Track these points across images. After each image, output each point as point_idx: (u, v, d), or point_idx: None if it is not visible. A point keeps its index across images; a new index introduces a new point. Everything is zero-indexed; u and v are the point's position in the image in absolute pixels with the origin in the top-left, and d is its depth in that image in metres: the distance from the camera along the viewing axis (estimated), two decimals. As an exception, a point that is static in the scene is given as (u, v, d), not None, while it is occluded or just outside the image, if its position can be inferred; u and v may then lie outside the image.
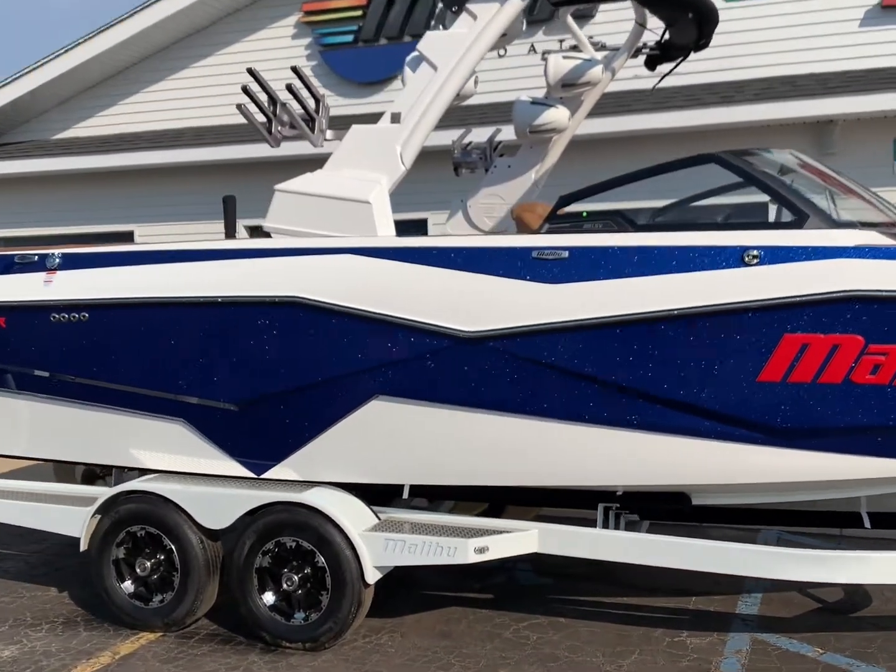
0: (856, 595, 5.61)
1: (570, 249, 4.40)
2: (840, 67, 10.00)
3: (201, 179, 11.51)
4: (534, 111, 6.60)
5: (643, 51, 6.50)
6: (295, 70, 5.29)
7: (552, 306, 4.39)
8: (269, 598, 5.09)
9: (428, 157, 6.71)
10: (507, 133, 7.43)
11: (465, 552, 4.75)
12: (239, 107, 5.38)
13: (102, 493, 5.47)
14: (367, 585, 4.89)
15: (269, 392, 5.00)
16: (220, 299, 5.02)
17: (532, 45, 10.70)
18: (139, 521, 5.32)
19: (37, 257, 5.58)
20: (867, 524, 4.97)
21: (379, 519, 5.08)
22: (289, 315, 4.88)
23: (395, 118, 4.90)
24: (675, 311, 4.21)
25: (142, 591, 5.37)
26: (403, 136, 4.91)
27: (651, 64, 6.58)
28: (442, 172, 8.46)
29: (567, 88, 6.52)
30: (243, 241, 5.27)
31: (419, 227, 10.88)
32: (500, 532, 4.85)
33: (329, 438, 4.96)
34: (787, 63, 10.14)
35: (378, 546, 4.87)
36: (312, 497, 4.99)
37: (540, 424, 4.53)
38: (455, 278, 4.57)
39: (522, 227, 5.26)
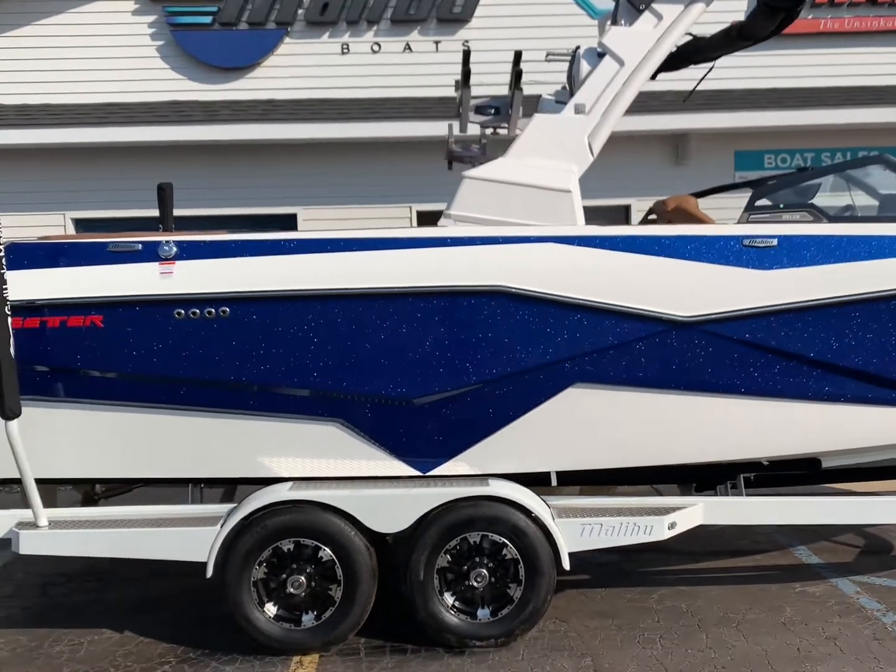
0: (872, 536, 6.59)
1: (780, 238, 4.79)
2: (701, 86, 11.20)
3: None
4: (557, 110, 6.82)
5: None
6: (466, 53, 5.11)
7: (764, 291, 4.75)
8: (449, 598, 4.92)
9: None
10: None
11: (661, 529, 4.95)
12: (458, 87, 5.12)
13: (236, 509, 4.90)
14: (560, 573, 4.91)
15: (460, 384, 4.81)
16: (407, 289, 4.74)
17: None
18: (293, 534, 4.84)
19: (140, 245, 4.84)
20: None
21: (549, 507, 5.10)
22: (492, 304, 4.74)
23: (580, 109, 4.95)
24: (873, 294, 4.77)
25: (287, 611, 4.91)
26: (591, 127, 4.97)
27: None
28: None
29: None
30: (432, 230, 4.96)
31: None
32: (676, 508, 5.10)
33: (516, 429, 4.88)
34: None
35: (574, 532, 4.90)
36: (504, 489, 4.89)
37: (746, 402, 4.86)
38: (667, 265, 4.76)
39: (684, 218, 5.50)
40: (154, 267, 4.80)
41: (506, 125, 5.28)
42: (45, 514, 4.88)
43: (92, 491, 5.82)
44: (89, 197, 10.28)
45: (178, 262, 4.80)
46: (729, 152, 10.81)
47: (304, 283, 4.77)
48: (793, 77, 10.80)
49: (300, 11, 10.46)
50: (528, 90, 10.65)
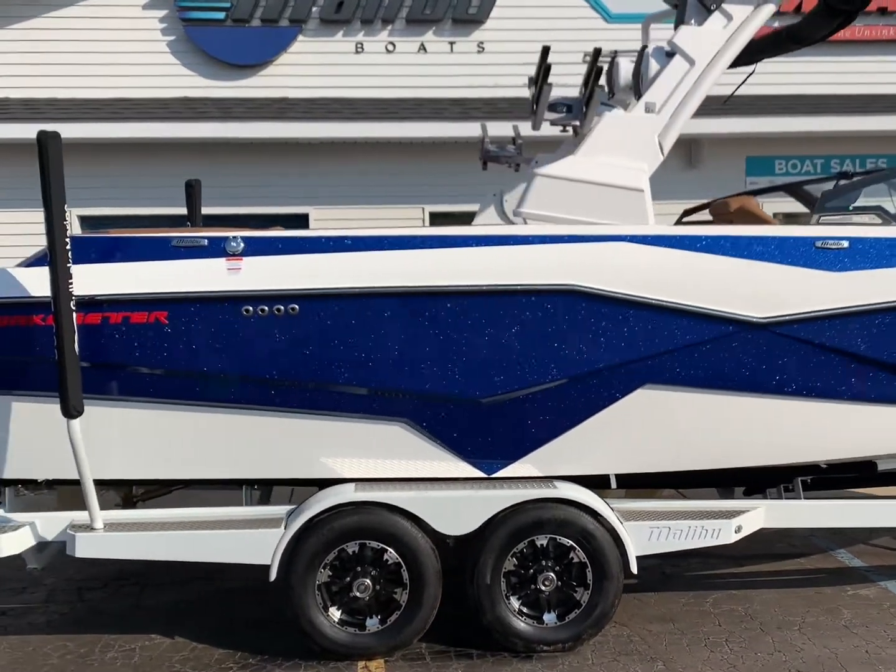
0: None
1: (850, 240, 4.79)
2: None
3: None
4: (600, 111, 6.80)
5: None
6: (546, 50, 5.07)
7: (837, 293, 4.74)
8: (515, 602, 4.85)
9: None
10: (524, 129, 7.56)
11: (729, 532, 4.91)
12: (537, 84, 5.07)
13: (300, 510, 4.80)
14: (627, 576, 4.87)
15: (529, 384, 4.74)
16: (478, 288, 4.67)
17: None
18: (359, 536, 4.74)
19: (206, 241, 4.72)
20: None
21: (612, 509, 5.05)
22: (564, 303, 4.69)
23: (650, 108, 4.91)
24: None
25: (351, 615, 4.81)
26: (661, 126, 4.94)
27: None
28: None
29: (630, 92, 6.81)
30: (504, 228, 4.89)
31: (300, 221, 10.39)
32: (741, 511, 5.06)
33: (584, 431, 4.83)
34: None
35: (643, 535, 4.85)
36: (573, 492, 4.83)
37: (812, 404, 4.85)
38: (741, 266, 4.74)
39: (747, 219, 5.47)
40: (221, 263, 4.69)
41: (577, 123, 5.23)
42: (101, 517, 4.75)
43: (131, 493, 5.69)
44: (97, 194, 10.08)
45: (245, 259, 4.70)
46: (741, 157, 10.86)
47: (373, 280, 4.68)
48: (804, 84, 10.87)
49: (314, 9, 10.34)
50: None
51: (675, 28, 5.37)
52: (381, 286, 4.65)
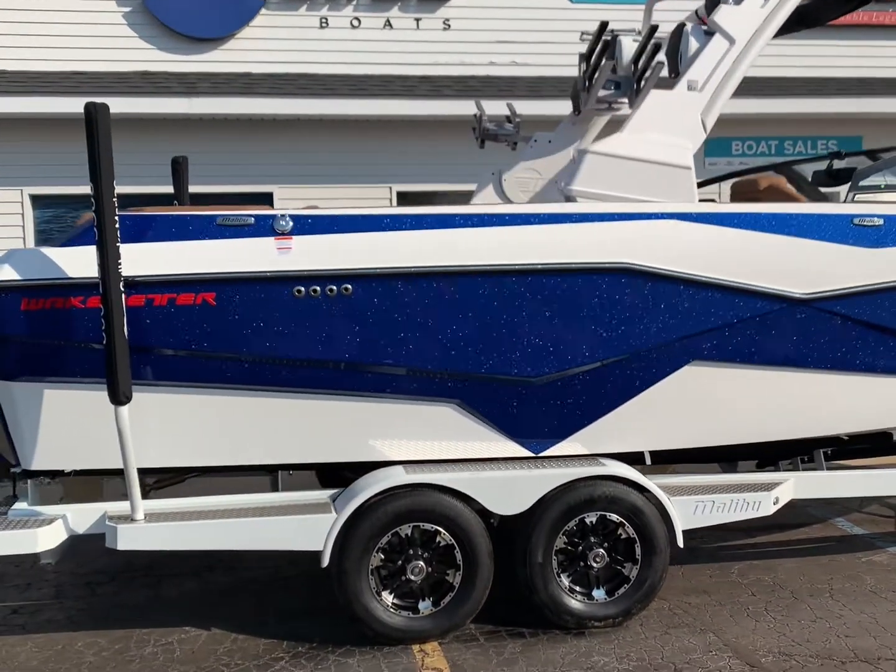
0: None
1: (885, 217, 4.92)
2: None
3: None
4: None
5: None
6: (603, 25, 5.03)
7: (873, 269, 4.87)
8: (565, 580, 4.86)
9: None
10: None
11: (768, 504, 5.03)
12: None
13: (350, 494, 4.70)
14: (673, 550, 4.93)
15: (580, 363, 4.74)
16: (530, 267, 4.63)
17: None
18: (412, 518, 4.67)
19: (253, 219, 4.55)
20: None
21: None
22: (616, 281, 4.69)
23: (692, 86, 4.92)
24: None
25: (403, 599, 4.74)
26: (703, 104, 4.96)
27: None
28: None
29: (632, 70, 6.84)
30: (556, 206, 4.82)
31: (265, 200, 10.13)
32: (777, 483, 5.17)
33: (632, 408, 4.85)
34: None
35: (688, 509, 4.92)
36: (622, 469, 4.86)
37: (845, 378, 4.99)
38: (784, 243, 4.81)
39: (778, 197, 5.52)
40: (270, 242, 4.53)
41: (624, 100, 5.22)
42: (142, 507, 4.56)
43: (143, 483, 5.47)
44: (51, 172, 9.61)
45: (295, 237, 4.55)
46: (699, 139, 11.04)
47: (425, 259, 4.59)
48: (758, 67, 11.07)
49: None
50: (506, 71, 10.68)
51: (706, 7, 5.40)
52: (430, 266, 4.57)
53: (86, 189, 9.78)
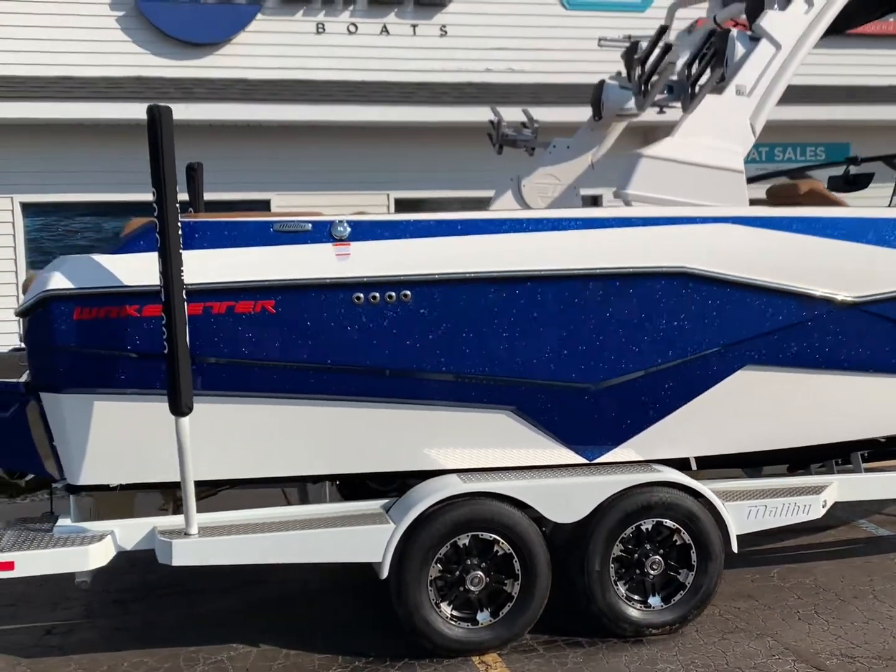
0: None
1: (929, 220, 4.98)
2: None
3: None
4: (624, 95, 6.83)
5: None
6: (663, 29, 5.02)
7: (916, 272, 4.94)
8: (622, 587, 4.82)
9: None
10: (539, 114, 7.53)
11: (818, 508, 5.05)
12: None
13: (405, 504, 4.61)
14: (727, 555, 4.92)
15: (637, 368, 4.71)
16: (588, 272, 4.59)
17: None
18: (473, 527, 4.60)
19: (311, 225, 4.46)
20: None
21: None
22: (672, 286, 4.67)
23: (741, 91, 4.93)
24: None
25: (460, 610, 4.67)
26: (752, 109, 4.97)
27: None
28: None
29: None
30: (614, 210, 4.80)
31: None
32: (824, 486, 5.18)
33: (685, 413, 4.83)
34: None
35: (742, 514, 4.91)
36: (677, 475, 4.84)
37: (888, 380, 5.03)
38: (834, 247, 4.84)
39: (818, 201, 5.54)
40: (328, 248, 4.44)
41: (676, 104, 5.21)
42: (197, 521, 4.43)
43: (176, 496, 5.34)
44: (43, 179, 9.38)
45: (353, 244, 4.47)
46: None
47: (483, 265, 4.53)
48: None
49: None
50: (503, 78, 10.68)
51: (748, 13, 5.43)
52: (487, 271, 4.51)
53: (78, 197, 9.63)
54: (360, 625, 5.12)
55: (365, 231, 4.50)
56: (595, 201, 10.07)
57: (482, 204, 8.13)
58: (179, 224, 4.04)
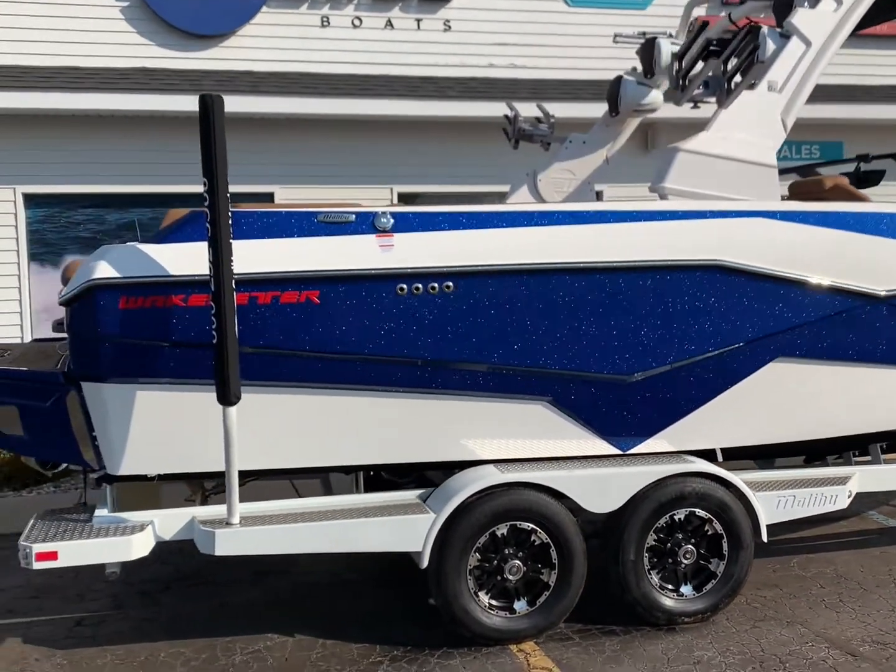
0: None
1: (955, 216, 5.08)
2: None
3: None
4: (641, 91, 6.90)
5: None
6: (704, 24, 5.07)
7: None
8: (655, 577, 4.88)
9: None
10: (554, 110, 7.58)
11: (844, 498, 5.14)
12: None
13: (444, 494, 4.64)
14: (757, 544, 5.00)
15: (672, 360, 4.77)
16: (627, 265, 4.65)
17: None
18: (511, 517, 4.64)
19: (354, 216, 4.48)
20: None
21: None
22: (708, 279, 4.73)
23: (773, 87, 5.00)
24: None
25: (497, 599, 4.71)
26: (783, 105, 5.05)
27: None
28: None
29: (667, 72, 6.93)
30: (653, 204, 4.85)
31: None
32: (848, 477, 5.27)
33: (717, 405, 4.90)
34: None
35: (772, 504, 5.00)
36: (708, 465, 4.91)
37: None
38: (864, 242, 4.93)
39: (843, 197, 5.62)
40: (371, 239, 4.47)
41: (711, 100, 5.26)
42: (239, 511, 4.44)
43: (202, 487, 5.33)
44: (45, 170, 9.29)
45: (396, 235, 4.49)
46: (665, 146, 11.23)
47: (524, 257, 4.58)
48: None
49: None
50: (506, 73, 10.71)
51: (775, 11, 5.50)
52: (526, 263, 4.55)
53: (81, 188, 9.54)
54: (391, 615, 5.15)
55: (408, 222, 4.52)
56: (598, 196, 10.12)
57: (479, 199, 8.14)
58: (230, 215, 4.05)
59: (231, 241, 4.05)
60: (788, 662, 4.43)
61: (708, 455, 5.19)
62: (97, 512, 4.64)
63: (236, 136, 9.73)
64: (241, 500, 4.57)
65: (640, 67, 7.24)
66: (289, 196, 9.96)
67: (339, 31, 10.17)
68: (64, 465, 5.21)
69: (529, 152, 7.75)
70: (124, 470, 4.49)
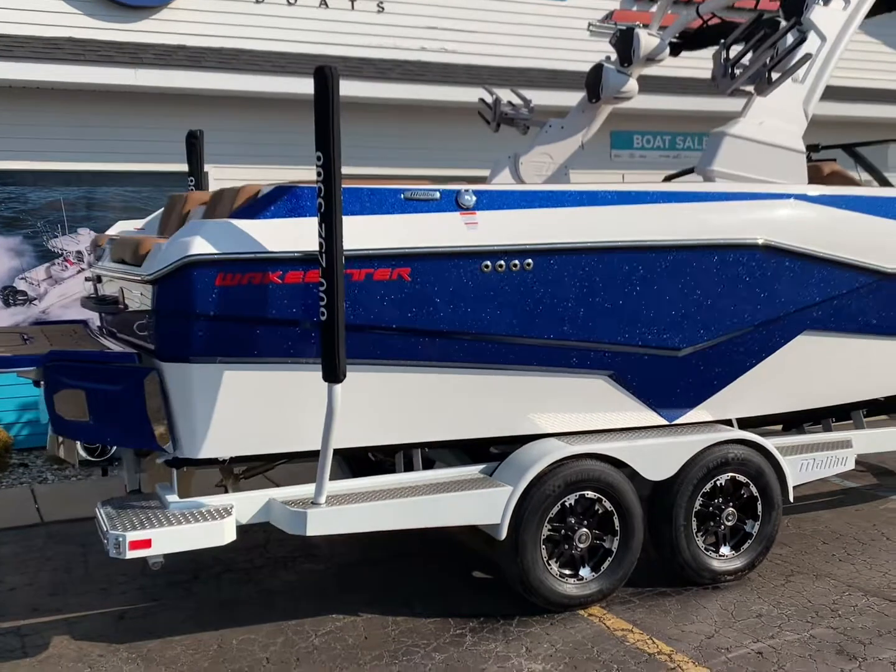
0: None
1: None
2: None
3: None
4: (621, 79, 7.19)
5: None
6: (760, 15, 5.29)
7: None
8: (700, 539, 5.17)
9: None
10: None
11: (852, 460, 5.63)
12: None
13: (513, 467, 4.75)
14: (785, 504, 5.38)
15: (720, 334, 5.05)
16: (687, 243, 4.89)
17: None
18: (581, 487, 4.82)
19: (439, 194, 4.49)
20: None
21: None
22: (754, 257, 5.03)
23: (796, 77, 5.32)
24: None
25: (564, 566, 4.87)
26: (804, 94, 5.40)
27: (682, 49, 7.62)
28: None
29: (648, 63, 7.24)
30: (708, 185, 5.07)
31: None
32: (851, 441, 5.74)
33: (752, 375, 5.23)
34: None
35: (796, 467, 5.40)
36: (746, 433, 5.24)
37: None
38: (880, 223, 5.40)
39: (840, 181, 5.98)
40: (457, 217, 4.50)
41: (750, 87, 5.51)
42: (326, 491, 4.39)
43: (232, 470, 5.21)
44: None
45: (479, 213, 4.55)
46: (606, 133, 11.66)
47: (595, 235, 4.75)
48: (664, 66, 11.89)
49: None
50: (439, 57, 10.77)
51: (783, 7, 5.85)
52: (593, 242, 4.73)
53: (4, 164, 8.89)
54: (446, 589, 5.22)
55: (491, 200, 4.59)
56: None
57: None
58: (342, 191, 4.00)
59: (342, 217, 4.01)
60: (840, 610, 4.82)
61: (727, 424, 5.55)
62: (170, 498, 4.47)
63: (174, 112, 9.41)
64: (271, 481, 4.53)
65: (614, 56, 7.56)
66: (223, 176, 9.66)
67: (272, 7, 9.93)
68: (112, 450, 4.96)
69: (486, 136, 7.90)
70: (204, 453, 4.34)
